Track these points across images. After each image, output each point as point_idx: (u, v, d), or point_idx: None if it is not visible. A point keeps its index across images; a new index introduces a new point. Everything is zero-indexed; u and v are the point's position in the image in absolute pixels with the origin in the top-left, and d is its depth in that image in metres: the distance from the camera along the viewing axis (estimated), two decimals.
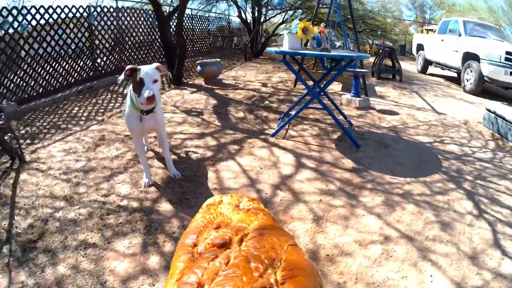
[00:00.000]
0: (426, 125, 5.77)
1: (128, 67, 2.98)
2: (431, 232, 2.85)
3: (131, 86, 3.17)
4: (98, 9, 8.18)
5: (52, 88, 6.85)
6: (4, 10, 5.80)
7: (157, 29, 9.86)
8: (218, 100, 6.68)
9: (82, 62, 7.73)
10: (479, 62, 8.79)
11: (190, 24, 12.95)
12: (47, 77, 6.72)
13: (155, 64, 3.09)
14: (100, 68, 8.35)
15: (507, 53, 8.24)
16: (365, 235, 2.76)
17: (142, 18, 9.85)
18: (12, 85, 5.96)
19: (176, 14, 8.80)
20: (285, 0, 15.10)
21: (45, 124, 5.23)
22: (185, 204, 3.14)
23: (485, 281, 2.37)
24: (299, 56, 5.66)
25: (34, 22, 6.45)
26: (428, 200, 3.36)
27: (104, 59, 8.49)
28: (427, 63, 12.85)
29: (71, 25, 7.36)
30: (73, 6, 7.31)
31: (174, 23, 10.16)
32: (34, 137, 4.67)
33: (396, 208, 3.17)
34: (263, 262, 1.30)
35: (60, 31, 7.02)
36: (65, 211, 3.00)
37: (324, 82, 4.94)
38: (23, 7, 6.20)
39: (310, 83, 5.44)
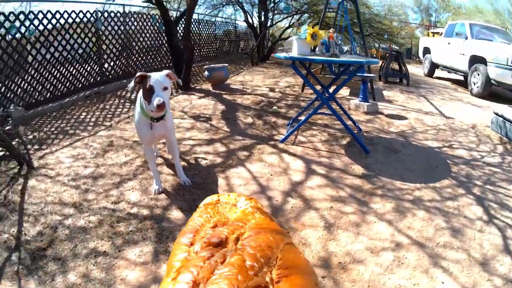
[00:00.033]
0: (435, 129, 5.76)
1: (138, 74, 2.98)
2: (442, 239, 2.85)
3: (141, 93, 3.17)
4: (105, 14, 8.21)
5: (59, 93, 6.89)
6: (11, 15, 5.82)
7: (164, 34, 9.88)
8: (226, 105, 6.69)
9: (89, 67, 7.76)
10: (486, 65, 8.76)
11: (197, 28, 12.99)
12: (54, 82, 6.76)
13: (166, 71, 3.09)
14: (107, 73, 8.39)
15: None
16: (377, 242, 2.76)
17: (149, 23, 9.89)
18: (19, 90, 5.99)
19: (183, 19, 8.85)
20: (291, 5, 15.11)
21: (52, 129, 5.25)
22: None
23: None
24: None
25: (41, 27, 6.48)
26: (439, 206, 3.36)
27: (112, 64, 8.52)
28: (433, 66, 12.79)
29: (78, 30, 7.40)
30: (80, 11, 7.38)
31: (181, 28, 10.21)
32: (42, 143, 4.69)
33: (407, 215, 3.17)
34: (259, 260, 1.32)
35: (67, 36, 7.05)
36: (75, 219, 3.01)
37: (333, 88, 4.94)
38: (30, 12, 6.23)
39: (318, 87, 5.45)
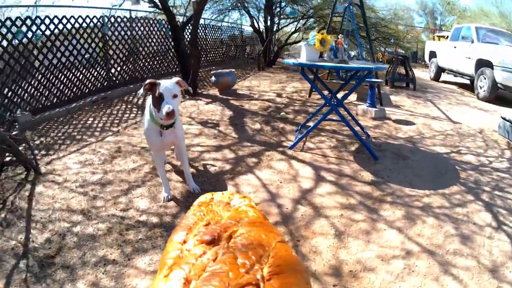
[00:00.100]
0: (442, 134, 5.77)
1: (148, 81, 2.98)
2: (451, 246, 2.86)
3: (150, 100, 3.18)
4: (112, 19, 8.27)
5: (66, 98, 6.94)
6: (18, 20, 5.87)
7: (170, 39, 9.94)
8: (234, 111, 6.71)
9: (96, 72, 7.80)
10: (492, 69, 8.75)
11: (203, 33, 13.03)
12: (61, 87, 6.81)
13: (176, 79, 3.09)
14: (114, 78, 8.44)
15: None
16: (387, 250, 2.77)
17: (155, 28, 9.95)
18: (26, 95, 6.03)
19: (189, 24, 8.89)
20: (297, 10, 15.14)
21: (60, 134, 5.27)
22: None
23: None
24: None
25: (48, 32, 6.53)
26: (448, 212, 3.37)
27: (118, 69, 8.57)
28: (440, 70, 12.81)
29: (85, 35, 7.45)
30: (87, 16, 7.43)
31: (188, 33, 10.25)
32: (49, 148, 4.71)
33: (416, 222, 3.18)
34: (250, 258, 1.33)
35: (74, 41, 7.10)
36: (83, 226, 3.00)
37: (342, 94, 4.96)
38: (37, 17, 6.30)
39: (325, 92, 5.46)
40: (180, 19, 11.01)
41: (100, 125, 5.78)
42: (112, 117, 6.29)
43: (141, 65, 9.50)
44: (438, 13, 34.48)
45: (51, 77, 6.56)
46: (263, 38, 15.56)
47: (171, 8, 8.58)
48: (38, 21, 6.24)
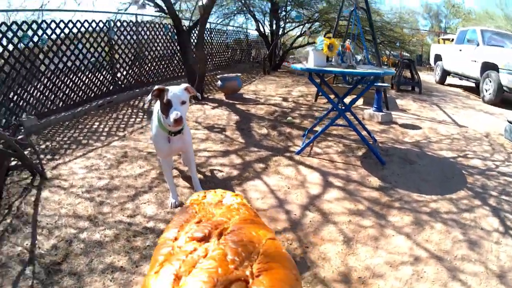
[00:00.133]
0: (449, 139, 5.77)
1: (156, 87, 2.98)
2: (459, 251, 2.87)
3: (158, 106, 3.17)
4: (118, 24, 8.32)
5: (72, 102, 6.95)
6: (24, 24, 5.91)
7: (176, 43, 9.98)
8: (240, 116, 6.72)
9: (101, 76, 7.83)
10: (498, 71, 8.75)
11: (209, 37, 13.04)
12: (67, 91, 6.82)
13: (184, 85, 3.08)
14: (120, 82, 8.47)
15: None
16: (396, 256, 2.78)
17: (161, 32, 9.99)
18: (32, 99, 6.05)
19: (195, 29, 8.90)
20: (303, 13, 15.16)
21: (65, 139, 5.25)
22: None
23: None
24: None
25: (54, 36, 6.58)
26: (455, 218, 3.37)
27: (124, 73, 8.60)
28: (445, 73, 12.77)
29: (91, 39, 7.49)
30: (93, 20, 7.48)
31: (194, 36, 10.27)
32: (55, 153, 4.69)
33: (424, 227, 3.19)
34: (240, 255, 1.35)
35: (79, 45, 7.14)
36: (90, 232, 2.98)
37: (350, 99, 4.97)
38: (43, 21, 6.33)
39: (332, 96, 5.48)
40: (186, 23, 11.05)
41: (106, 129, 5.76)
42: (118, 121, 6.28)
43: (147, 69, 9.53)
44: (442, 16, 34.43)
45: (56, 81, 6.59)
46: (269, 42, 15.59)
47: (177, 12, 8.59)
48: (44, 25, 6.28)
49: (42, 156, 4.52)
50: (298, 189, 3.85)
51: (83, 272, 2.51)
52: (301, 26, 15.87)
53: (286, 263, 1.45)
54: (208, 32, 12.96)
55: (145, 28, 9.29)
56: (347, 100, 5.14)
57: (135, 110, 7.15)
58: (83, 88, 7.25)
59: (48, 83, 6.41)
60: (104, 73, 7.92)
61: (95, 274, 2.50)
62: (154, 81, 9.42)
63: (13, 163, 4.11)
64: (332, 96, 5.45)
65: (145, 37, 9.36)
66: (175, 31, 8.99)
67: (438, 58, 13.33)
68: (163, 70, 10.19)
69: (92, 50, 7.49)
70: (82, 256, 2.68)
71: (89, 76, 7.46)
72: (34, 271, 2.51)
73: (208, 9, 7.71)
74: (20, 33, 5.80)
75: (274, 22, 15.31)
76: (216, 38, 14.05)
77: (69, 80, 6.86)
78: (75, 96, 7.07)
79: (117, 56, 8.36)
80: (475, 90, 10.84)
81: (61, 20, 6.68)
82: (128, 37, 8.62)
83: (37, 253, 2.70)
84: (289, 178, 4.11)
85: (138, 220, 3.19)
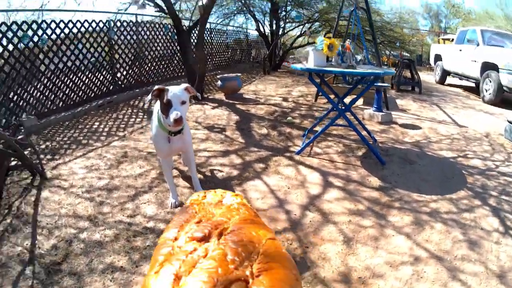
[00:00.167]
0: (449, 139, 5.77)
1: (156, 87, 2.98)
2: (459, 252, 2.87)
3: (158, 106, 3.16)
4: (118, 24, 8.32)
5: (72, 102, 6.95)
6: (24, 24, 5.91)
7: (176, 43, 9.97)
8: (240, 116, 6.72)
9: (101, 76, 7.82)
10: (498, 71, 8.75)
11: (209, 37, 13.03)
12: (67, 91, 6.82)
13: (184, 85, 3.08)
14: (120, 82, 8.46)
15: None
16: (396, 256, 2.78)
17: (161, 32, 9.99)
18: (32, 99, 6.05)
19: (195, 29, 8.90)
20: (303, 13, 15.16)
21: (65, 139, 5.24)
22: None
23: None
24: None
25: (54, 36, 6.57)
26: (455, 218, 3.37)
27: (124, 73, 8.60)
28: (445, 73, 12.77)
29: (91, 39, 7.49)
30: (93, 20, 7.48)
31: (194, 36, 10.26)
32: (55, 153, 4.68)
33: (424, 227, 3.19)
34: (240, 255, 1.35)
35: (79, 45, 7.14)
36: (90, 232, 2.97)
37: (350, 99, 4.97)
38: (43, 21, 6.33)
39: (332, 96, 5.48)
40: (186, 23, 11.04)
41: (106, 129, 5.76)
42: (118, 121, 6.28)
43: (147, 69, 9.53)
44: (442, 16, 34.43)
45: (56, 81, 6.58)
46: (269, 42, 15.59)
47: (177, 12, 8.59)
48: (44, 25, 6.28)
49: (42, 156, 4.51)
50: (298, 189, 3.84)
51: (83, 272, 2.51)
52: (301, 26, 15.89)
53: (286, 263, 1.45)
54: (208, 32, 12.95)
55: (145, 28, 9.28)
56: (347, 100, 5.14)
57: (135, 110, 7.14)
58: (83, 88, 7.24)
59: (48, 83, 6.40)
60: (104, 73, 7.91)
61: (95, 274, 2.50)
62: (154, 81, 9.41)
63: (13, 163, 4.10)
64: (332, 96, 5.46)
65: (145, 37, 9.36)
66: (175, 31, 8.98)
67: (438, 58, 13.32)
68: (163, 70, 10.19)
69: (92, 50, 7.49)
70: (82, 256, 2.67)
71: (89, 76, 7.46)
72: (34, 271, 2.51)
73: (208, 9, 7.71)
74: (20, 33, 5.79)
75: (274, 22, 15.32)
76: (216, 38, 14.05)
77: (69, 80, 6.86)
78: (75, 96, 7.06)
79: (117, 56, 8.35)
80: (475, 90, 10.85)
81: (61, 20, 6.68)
82: (128, 37, 8.62)
83: (37, 253, 2.70)
84: (289, 178, 4.11)
85: (138, 220, 3.18)
